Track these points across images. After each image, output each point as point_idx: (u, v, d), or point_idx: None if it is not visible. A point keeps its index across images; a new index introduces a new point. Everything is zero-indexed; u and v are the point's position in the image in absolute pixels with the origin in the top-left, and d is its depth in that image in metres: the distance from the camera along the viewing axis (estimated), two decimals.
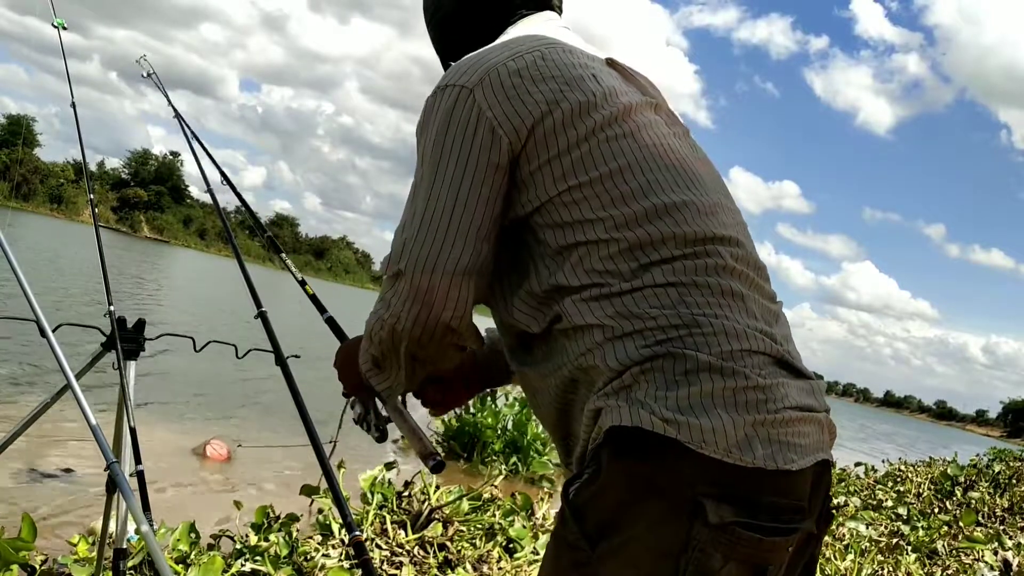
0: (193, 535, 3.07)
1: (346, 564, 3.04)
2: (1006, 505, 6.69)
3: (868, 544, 4.47)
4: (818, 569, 0.93)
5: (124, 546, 1.99)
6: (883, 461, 9.81)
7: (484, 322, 1.19)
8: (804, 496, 0.95)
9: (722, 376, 0.91)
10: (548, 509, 4.26)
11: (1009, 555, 4.38)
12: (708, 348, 0.93)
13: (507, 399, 7.37)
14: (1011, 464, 9.18)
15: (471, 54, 1.12)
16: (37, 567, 2.78)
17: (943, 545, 4.78)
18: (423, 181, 1.05)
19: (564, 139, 1.03)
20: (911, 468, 9.17)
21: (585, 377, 0.98)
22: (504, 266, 1.09)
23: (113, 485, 1.93)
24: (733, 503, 0.87)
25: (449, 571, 3.26)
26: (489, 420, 7.04)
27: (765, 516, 0.89)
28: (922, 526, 5.37)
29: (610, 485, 0.91)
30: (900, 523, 5.44)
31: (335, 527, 3.32)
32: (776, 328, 1.03)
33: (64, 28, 2.56)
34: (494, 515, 3.90)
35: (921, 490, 7.19)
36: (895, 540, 4.66)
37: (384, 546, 3.38)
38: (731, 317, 0.97)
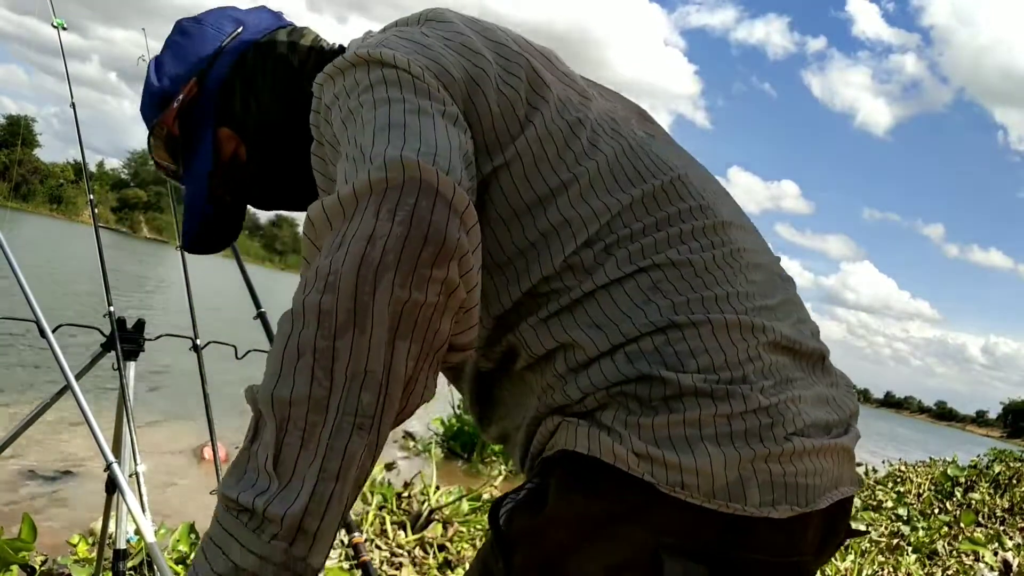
0: (193, 535, 3.07)
1: (346, 565, 3.03)
2: (1006, 506, 6.68)
3: (868, 545, 4.47)
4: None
5: (124, 546, 1.99)
6: (883, 462, 9.80)
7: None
8: (807, 548, 0.74)
9: (712, 400, 0.69)
10: None
11: (1009, 556, 4.38)
12: (694, 362, 0.71)
13: None
14: (1011, 465, 9.16)
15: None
16: (37, 567, 2.78)
17: (943, 546, 4.78)
18: None
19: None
20: (911, 469, 9.15)
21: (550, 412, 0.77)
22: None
23: (113, 485, 1.93)
24: (704, 560, 0.68)
25: (449, 572, 3.26)
26: None
27: None
28: (922, 527, 5.36)
29: (553, 522, 0.72)
30: (900, 523, 5.44)
31: None
32: (776, 295, 0.81)
33: (64, 28, 2.55)
34: None
35: (921, 491, 7.18)
36: (895, 541, 4.65)
37: (384, 547, 3.37)
38: (720, 306, 0.74)
